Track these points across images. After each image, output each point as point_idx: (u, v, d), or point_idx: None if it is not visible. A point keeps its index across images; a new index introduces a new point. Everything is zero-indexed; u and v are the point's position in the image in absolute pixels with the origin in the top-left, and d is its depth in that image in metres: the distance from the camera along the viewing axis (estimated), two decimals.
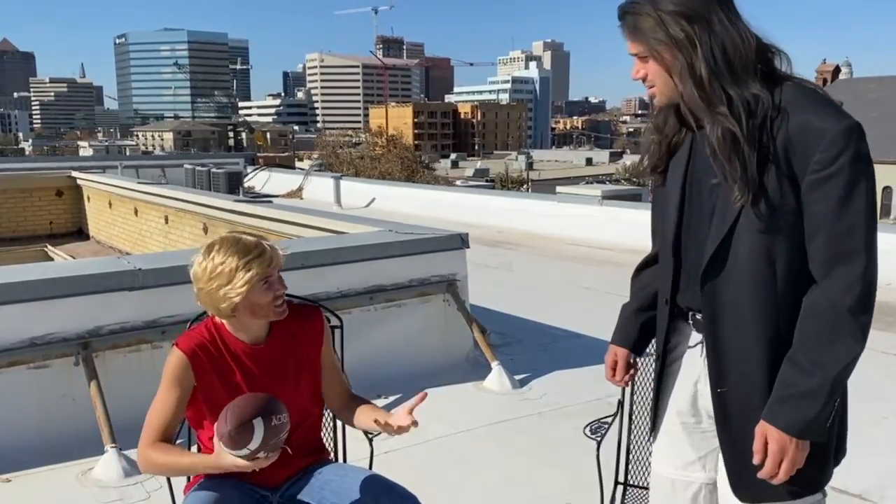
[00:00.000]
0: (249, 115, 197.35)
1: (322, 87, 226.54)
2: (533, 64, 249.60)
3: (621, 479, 2.64)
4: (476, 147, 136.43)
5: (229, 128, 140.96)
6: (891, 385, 4.34)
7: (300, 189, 18.15)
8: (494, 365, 4.80)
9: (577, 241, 10.64)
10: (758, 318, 1.63)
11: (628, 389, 2.50)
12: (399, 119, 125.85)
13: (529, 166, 69.37)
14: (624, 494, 2.62)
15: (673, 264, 1.78)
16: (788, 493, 1.65)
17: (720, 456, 1.79)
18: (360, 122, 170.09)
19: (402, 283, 5.03)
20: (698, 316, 1.76)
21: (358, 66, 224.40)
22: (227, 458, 1.91)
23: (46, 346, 3.86)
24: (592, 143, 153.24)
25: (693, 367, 1.83)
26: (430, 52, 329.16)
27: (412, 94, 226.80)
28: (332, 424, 2.56)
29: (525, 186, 49.73)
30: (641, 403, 2.64)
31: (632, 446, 2.64)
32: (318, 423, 2.31)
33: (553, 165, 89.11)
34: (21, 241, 12.86)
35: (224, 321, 2.11)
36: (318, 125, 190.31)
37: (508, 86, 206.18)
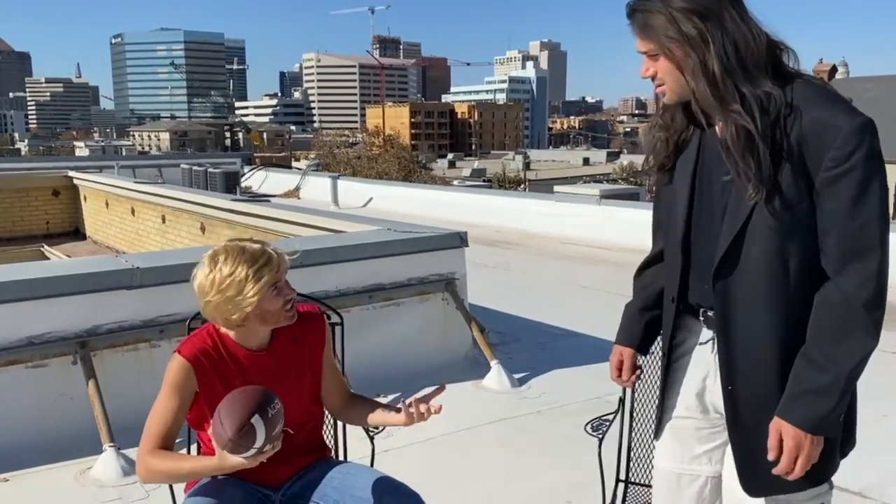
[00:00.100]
0: (246, 115, 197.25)
1: (319, 87, 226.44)
2: (530, 64, 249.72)
3: (622, 476, 2.63)
4: (473, 147, 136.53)
5: (226, 128, 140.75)
6: (890, 383, 4.34)
7: (297, 189, 18.13)
8: (493, 364, 4.80)
9: (575, 240, 10.64)
10: (770, 315, 1.63)
11: (621, 386, 2.50)
12: (396, 119, 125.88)
13: (527, 166, 69.42)
14: (625, 492, 2.62)
15: (682, 262, 1.77)
16: (797, 485, 1.65)
17: (727, 450, 1.79)
18: (356, 122, 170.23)
19: (401, 282, 5.02)
20: (709, 312, 1.76)
21: (355, 66, 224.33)
22: (230, 458, 1.86)
23: (44, 345, 3.84)
24: (589, 142, 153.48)
25: (703, 362, 1.83)
26: (426, 51, 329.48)
27: (409, 94, 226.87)
28: (332, 423, 2.56)
29: (522, 186, 49.76)
30: (642, 401, 2.64)
31: (633, 444, 2.63)
32: (319, 422, 2.30)
33: (550, 165, 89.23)
34: (17, 240, 12.83)
35: (231, 331, 2.06)
36: (315, 125, 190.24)
37: (505, 86, 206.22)
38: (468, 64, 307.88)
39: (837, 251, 1.55)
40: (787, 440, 1.59)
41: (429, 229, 5.54)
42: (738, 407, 1.70)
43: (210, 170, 15.99)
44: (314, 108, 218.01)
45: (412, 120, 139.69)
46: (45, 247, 12.74)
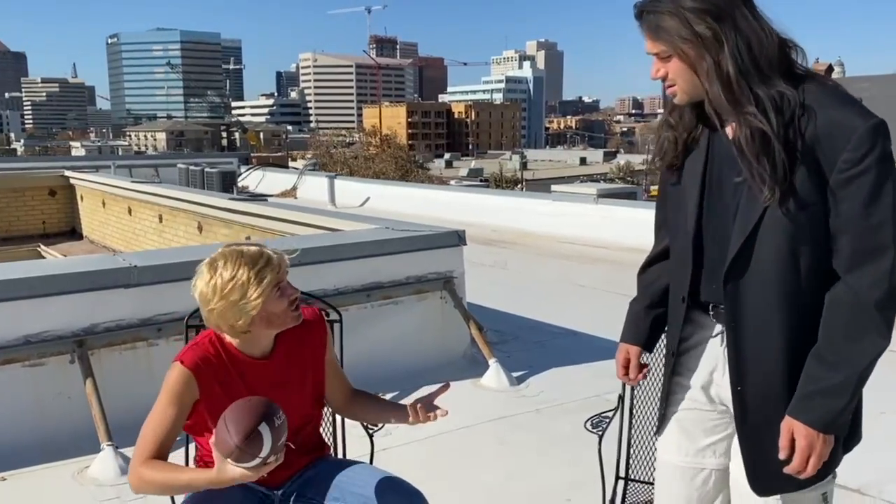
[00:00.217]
0: (242, 115, 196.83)
1: (315, 87, 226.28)
2: (527, 63, 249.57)
3: (622, 473, 2.63)
4: (470, 147, 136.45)
5: (222, 128, 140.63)
6: (888, 380, 4.34)
7: (294, 189, 18.12)
8: (492, 362, 4.79)
9: (573, 239, 10.64)
10: (781, 315, 1.63)
11: (629, 384, 2.49)
12: (393, 119, 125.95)
13: (524, 166, 69.44)
14: (625, 489, 2.61)
15: (693, 262, 1.77)
16: (805, 482, 1.66)
17: (733, 444, 1.79)
18: (353, 121, 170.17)
19: (399, 280, 5.01)
20: (720, 308, 1.75)
21: (351, 66, 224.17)
22: (231, 470, 1.80)
23: (41, 343, 3.83)
24: (586, 142, 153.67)
25: (711, 356, 1.83)
26: (423, 51, 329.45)
27: (406, 94, 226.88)
28: (331, 421, 2.55)
29: (519, 186, 49.79)
30: (642, 398, 2.64)
31: (633, 441, 2.63)
32: (319, 421, 2.29)
33: (547, 165, 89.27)
34: (14, 240, 12.80)
35: (234, 339, 2.02)
36: (312, 125, 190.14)
37: (502, 85, 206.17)
38: (465, 64, 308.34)
39: (850, 251, 1.56)
40: (799, 439, 1.60)
41: (427, 228, 5.53)
42: (748, 407, 1.71)
43: (207, 169, 15.96)
44: (311, 108, 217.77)
45: (409, 120, 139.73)
46: (42, 246, 12.71)
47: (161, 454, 1.94)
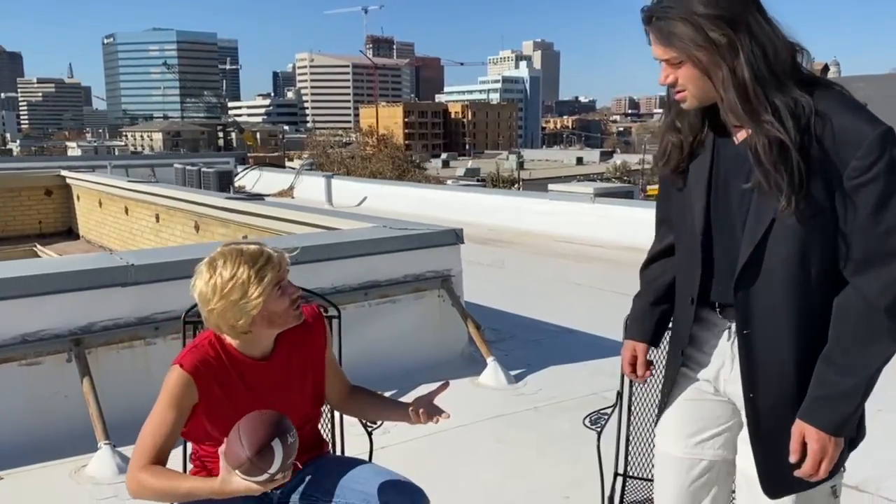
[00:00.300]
0: (239, 115, 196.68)
1: (312, 87, 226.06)
2: (523, 63, 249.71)
3: (621, 470, 2.63)
4: (467, 147, 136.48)
5: (219, 128, 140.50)
6: (885, 379, 4.35)
7: (291, 188, 18.11)
8: (490, 360, 4.79)
9: (569, 238, 10.65)
10: (792, 323, 1.64)
11: (626, 381, 2.50)
12: (390, 119, 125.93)
13: (520, 166, 69.40)
14: (624, 486, 2.61)
15: (701, 267, 1.77)
16: (816, 482, 1.68)
17: (740, 439, 1.81)
18: (350, 121, 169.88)
19: (397, 279, 5.01)
20: (728, 306, 1.76)
21: (348, 66, 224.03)
22: (237, 482, 1.78)
23: (38, 342, 3.82)
24: (583, 142, 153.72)
25: (720, 352, 1.84)
26: (420, 51, 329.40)
27: (402, 94, 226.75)
28: (330, 419, 2.55)
29: (516, 186, 49.79)
30: (640, 395, 2.64)
31: (631, 437, 2.63)
32: (318, 420, 2.28)
33: (544, 165, 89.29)
34: (10, 240, 12.77)
35: (234, 340, 1.99)
36: (308, 125, 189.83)
37: (499, 85, 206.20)
38: (462, 64, 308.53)
39: (859, 257, 1.57)
40: (811, 443, 1.61)
41: (424, 226, 5.53)
42: (760, 413, 1.71)
43: (203, 169, 15.94)
44: (307, 108, 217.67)
45: (406, 120, 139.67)
46: (38, 246, 12.68)
47: (160, 459, 1.92)
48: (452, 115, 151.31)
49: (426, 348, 5.00)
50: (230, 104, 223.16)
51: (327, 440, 2.42)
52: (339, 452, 2.54)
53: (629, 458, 2.64)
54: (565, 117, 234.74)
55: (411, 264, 5.08)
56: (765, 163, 1.56)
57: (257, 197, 10.90)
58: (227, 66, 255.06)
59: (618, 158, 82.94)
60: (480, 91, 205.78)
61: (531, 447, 3.87)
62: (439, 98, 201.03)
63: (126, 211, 11.04)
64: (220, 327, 1.95)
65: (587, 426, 2.49)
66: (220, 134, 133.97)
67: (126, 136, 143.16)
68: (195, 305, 2.12)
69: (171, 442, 1.95)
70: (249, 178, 19.87)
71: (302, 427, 2.11)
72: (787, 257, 1.60)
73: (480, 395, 4.56)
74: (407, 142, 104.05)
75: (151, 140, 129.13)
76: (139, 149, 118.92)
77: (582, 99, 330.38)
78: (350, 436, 2.57)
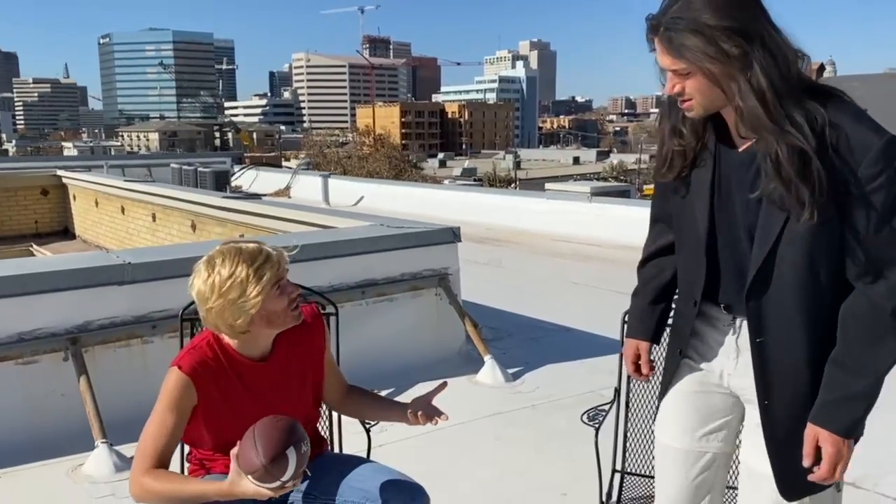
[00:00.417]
0: (235, 115, 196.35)
1: (308, 87, 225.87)
2: (520, 63, 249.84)
3: (619, 466, 2.63)
4: (464, 146, 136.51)
5: (215, 128, 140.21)
6: None
7: (288, 188, 18.09)
8: (487, 358, 4.79)
9: (566, 237, 10.66)
10: (803, 327, 1.66)
11: (624, 378, 2.50)
12: (386, 119, 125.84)
13: (517, 165, 69.47)
14: (622, 483, 2.62)
15: (705, 273, 1.79)
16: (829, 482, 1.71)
17: (745, 435, 1.83)
18: (347, 121, 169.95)
19: (394, 277, 5.01)
20: (732, 305, 1.78)
21: (344, 66, 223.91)
22: (246, 486, 1.77)
23: (35, 341, 3.81)
24: (579, 142, 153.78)
25: (725, 346, 1.84)
26: (416, 51, 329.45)
27: (399, 94, 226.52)
28: (328, 417, 2.54)
29: (513, 185, 49.80)
30: (638, 391, 2.64)
31: (629, 434, 2.63)
32: (317, 420, 2.28)
33: (540, 164, 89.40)
34: (6, 240, 12.74)
35: (233, 340, 1.98)
36: (305, 125, 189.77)
37: (495, 85, 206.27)
38: (458, 64, 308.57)
39: (865, 263, 1.59)
40: (826, 447, 1.64)
41: (421, 225, 5.53)
42: (775, 420, 1.73)
43: (200, 169, 15.92)
44: (304, 108, 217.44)
45: (402, 119, 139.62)
46: (34, 246, 12.65)
47: (162, 463, 1.90)
48: (449, 115, 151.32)
49: (423, 346, 5.00)
50: (227, 104, 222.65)
51: (326, 438, 2.42)
52: (337, 451, 2.54)
53: (627, 454, 2.65)
54: (562, 117, 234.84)
55: (408, 263, 5.07)
56: (786, 171, 1.56)
57: (254, 196, 10.90)
58: (224, 66, 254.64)
59: (614, 158, 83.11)
60: (477, 91, 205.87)
61: (529, 445, 3.87)
62: (436, 98, 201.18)
63: (122, 210, 11.02)
64: (218, 327, 1.93)
65: (585, 422, 2.49)
66: (217, 134, 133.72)
67: (122, 136, 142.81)
68: (193, 302, 2.12)
69: (173, 445, 1.94)
70: (246, 178, 19.84)
71: (304, 426, 2.11)
72: (798, 264, 1.62)
73: (478, 394, 4.56)
74: (404, 142, 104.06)
75: (148, 140, 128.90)
76: (135, 149, 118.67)
77: (578, 99, 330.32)
78: (348, 434, 2.57)
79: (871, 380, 1.62)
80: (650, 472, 2.44)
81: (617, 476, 2.63)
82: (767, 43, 1.56)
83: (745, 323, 1.75)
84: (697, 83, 1.61)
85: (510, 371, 4.81)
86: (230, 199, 8.27)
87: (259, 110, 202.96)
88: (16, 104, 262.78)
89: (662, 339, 2.06)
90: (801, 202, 1.56)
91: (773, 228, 1.62)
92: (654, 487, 2.06)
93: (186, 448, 2.17)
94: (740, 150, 1.68)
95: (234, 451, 1.79)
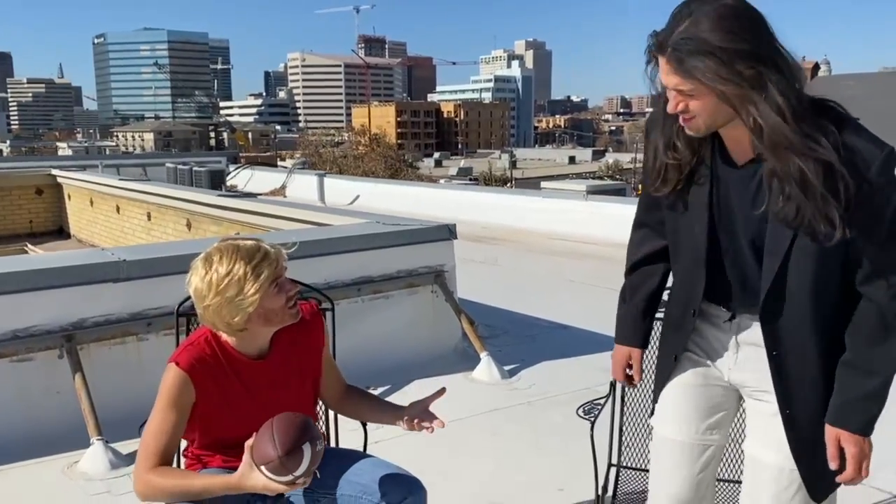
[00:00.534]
0: (231, 115, 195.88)
1: (304, 87, 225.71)
2: (515, 63, 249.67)
3: (614, 461, 2.64)
4: (459, 146, 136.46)
5: (210, 128, 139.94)
6: None
7: (283, 187, 18.06)
8: (483, 355, 4.79)
9: (562, 235, 10.66)
10: (818, 335, 1.70)
11: (629, 387, 2.51)
12: (382, 118, 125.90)
13: (513, 165, 69.47)
14: (617, 476, 2.62)
15: (705, 284, 1.81)
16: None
17: (749, 425, 1.85)
18: (342, 121, 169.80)
19: (390, 275, 5.00)
20: (731, 304, 1.81)
21: (340, 66, 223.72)
22: (257, 478, 1.76)
23: (29, 338, 3.80)
24: (575, 141, 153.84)
25: (724, 342, 1.86)
26: (412, 51, 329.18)
27: (395, 94, 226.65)
28: (324, 413, 2.54)
29: (509, 185, 49.82)
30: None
31: (625, 428, 2.64)
32: (316, 418, 2.28)
33: (536, 164, 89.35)
34: (0, 239, 12.70)
35: (230, 337, 1.97)
36: (300, 125, 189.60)
37: (491, 85, 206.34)
38: (454, 63, 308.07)
39: (870, 269, 1.63)
40: (849, 448, 1.67)
41: (417, 222, 5.53)
42: (798, 426, 1.76)
43: (195, 168, 15.87)
44: (299, 108, 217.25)
45: (398, 119, 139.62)
46: (29, 245, 12.62)
47: (166, 460, 1.89)
48: (445, 115, 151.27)
49: (420, 344, 5.00)
50: (222, 104, 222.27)
51: (323, 434, 2.41)
52: (333, 446, 2.53)
53: (623, 448, 2.65)
54: (557, 116, 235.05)
55: (404, 260, 5.07)
56: (813, 187, 1.56)
57: (249, 195, 10.88)
58: (219, 66, 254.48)
59: (610, 157, 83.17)
60: (473, 90, 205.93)
61: (525, 440, 3.87)
62: (431, 97, 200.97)
63: (117, 210, 11.00)
64: (215, 324, 1.92)
65: (581, 416, 2.49)
66: (212, 134, 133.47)
67: (117, 136, 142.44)
68: (189, 298, 2.10)
69: (175, 442, 1.93)
70: (241, 178, 19.81)
71: None
72: (808, 275, 1.65)
73: (474, 390, 4.56)
74: (399, 141, 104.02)
75: (143, 140, 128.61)
76: (130, 149, 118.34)
77: (574, 98, 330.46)
78: (344, 431, 2.56)
79: (883, 378, 1.67)
80: (646, 466, 2.44)
81: (613, 470, 2.63)
82: (780, 64, 1.56)
83: (743, 320, 1.79)
84: (703, 103, 1.60)
85: (506, 368, 4.81)
86: (225, 197, 8.26)
87: (254, 110, 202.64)
88: (10, 104, 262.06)
89: (652, 341, 2.08)
90: (829, 219, 1.56)
91: (783, 243, 1.64)
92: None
93: (183, 443, 2.16)
94: (740, 165, 1.69)
95: (248, 443, 1.78)
